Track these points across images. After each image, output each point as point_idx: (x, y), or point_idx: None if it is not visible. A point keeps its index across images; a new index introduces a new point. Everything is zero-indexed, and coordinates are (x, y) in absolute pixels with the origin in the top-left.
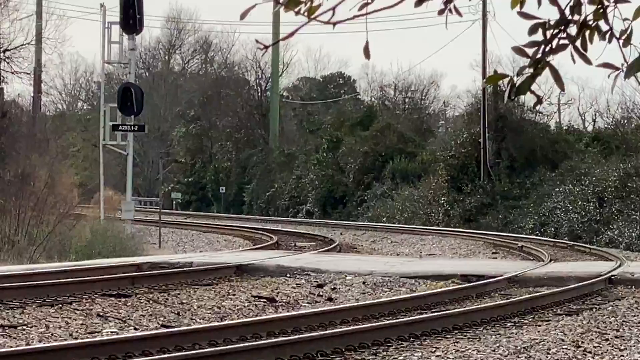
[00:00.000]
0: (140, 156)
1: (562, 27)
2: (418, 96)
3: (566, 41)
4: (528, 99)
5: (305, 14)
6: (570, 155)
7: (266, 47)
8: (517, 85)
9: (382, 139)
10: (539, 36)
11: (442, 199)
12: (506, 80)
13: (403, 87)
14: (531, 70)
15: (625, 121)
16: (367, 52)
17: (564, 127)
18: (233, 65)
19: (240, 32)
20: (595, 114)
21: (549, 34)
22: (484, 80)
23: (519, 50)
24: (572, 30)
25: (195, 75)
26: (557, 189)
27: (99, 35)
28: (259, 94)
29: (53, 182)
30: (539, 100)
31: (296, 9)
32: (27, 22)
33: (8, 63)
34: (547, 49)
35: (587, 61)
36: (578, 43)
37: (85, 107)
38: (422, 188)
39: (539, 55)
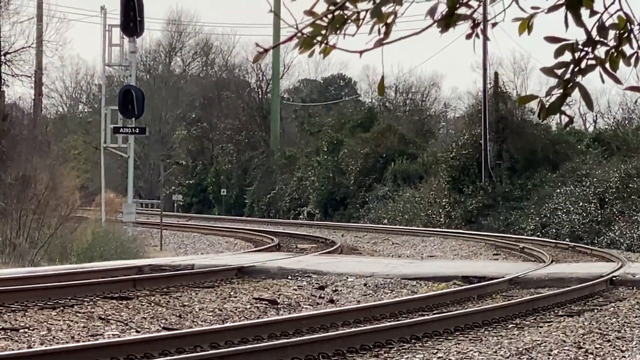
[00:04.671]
0: (141, 159)
1: (590, 49)
2: (419, 98)
3: (594, 62)
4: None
5: (321, 55)
6: (571, 156)
7: (266, 50)
8: (547, 105)
9: (383, 140)
10: (565, 56)
11: (444, 200)
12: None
13: (404, 88)
14: (560, 90)
15: (626, 122)
16: (382, 88)
17: (565, 128)
18: (234, 68)
19: (241, 34)
20: (596, 115)
21: (577, 55)
22: (517, 100)
23: (548, 72)
24: (600, 51)
25: (196, 78)
26: (558, 190)
27: (100, 38)
28: (260, 96)
29: (54, 184)
30: (570, 120)
31: (310, 51)
32: (28, 25)
33: (9, 66)
34: (576, 69)
35: (617, 81)
36: (607, 64)
37: (86, 110)
38: (423, 189)
39: (567, 76)
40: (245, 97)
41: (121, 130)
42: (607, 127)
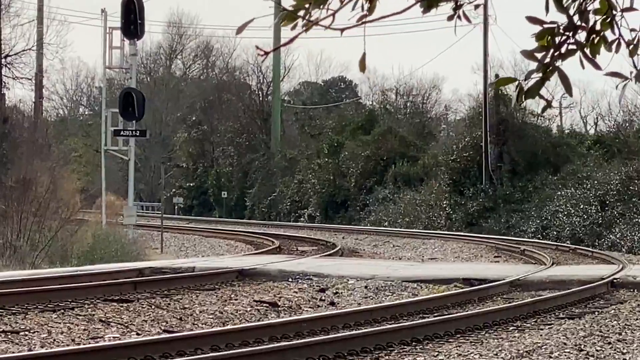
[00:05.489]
0: (142, 161)
1: (571, 33)
2: (419, 100)
3: (575, 47)
4: (530, 103)
5: (304, 28)
6: (572, 158)
7: (266, 53)
8: (526, 89)
9: (383, 143)
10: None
11: (444, 202)
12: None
13: (404, 91)
14: (540, 74)
15: (627, 124)
16: (362, 65)
17: (566, 131)
18: (234, 70)
19: (242, 36)
20: (597, 117)
21: (557, 39)
22: (493, 82)
23: (528, 55)
24: (581, 36)
25: (196, 80)
26: (559, 193)
27: (100, 40)
28: (261, 98)
29: (55, 187)
30: (548, 104)
31: (292, 24)
32: (29, 28)
33: (9, 69)
34: (556, 53)
35: (597, 67)
36: (587, 49)
37: (86, 113)
38: (424, 192)
39: (547, 60)
40: (245, 99)
41: (122, 132)
42: (608, 129)
